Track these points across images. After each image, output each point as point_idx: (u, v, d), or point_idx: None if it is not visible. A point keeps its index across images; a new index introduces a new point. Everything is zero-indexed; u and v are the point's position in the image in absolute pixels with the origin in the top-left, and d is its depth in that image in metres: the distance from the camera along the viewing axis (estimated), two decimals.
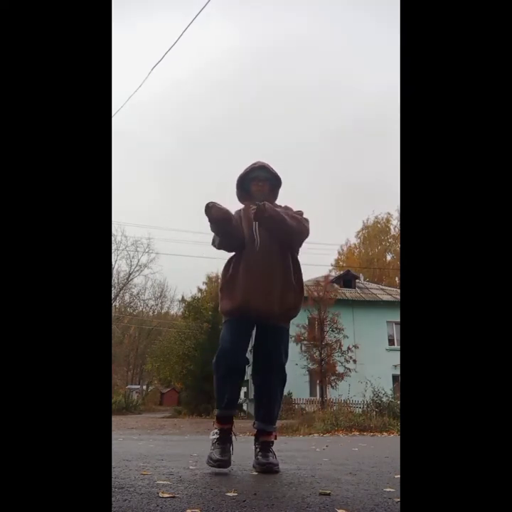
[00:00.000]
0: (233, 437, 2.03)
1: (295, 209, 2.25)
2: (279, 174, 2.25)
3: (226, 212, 2.03)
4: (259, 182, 2.21)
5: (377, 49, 46.50)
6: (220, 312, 2.16)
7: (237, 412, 2.36)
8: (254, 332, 2.14)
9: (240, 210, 2.25)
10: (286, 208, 2.24)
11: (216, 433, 1.99)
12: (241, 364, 2.02)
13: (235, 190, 2.31)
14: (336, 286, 17.06)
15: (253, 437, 2.13)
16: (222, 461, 1.89)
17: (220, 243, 2.13)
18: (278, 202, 2.30)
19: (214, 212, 1.98)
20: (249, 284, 2.02)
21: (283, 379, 2.14)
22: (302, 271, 2.19)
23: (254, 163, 2.22)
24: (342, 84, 45.99)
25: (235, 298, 2.04)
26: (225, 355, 1.99)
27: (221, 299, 2.12)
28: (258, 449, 2.05)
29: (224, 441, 1.97)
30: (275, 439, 2.11)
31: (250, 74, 48.27)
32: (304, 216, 2.20)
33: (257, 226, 2.10)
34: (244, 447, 2.25)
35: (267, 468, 1.93)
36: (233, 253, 2.15)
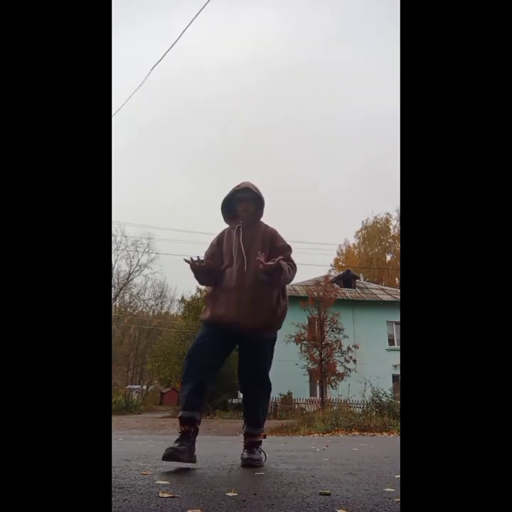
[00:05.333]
0: (194, 441, 1.99)
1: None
2: (262, 194, 2.32)
3: (207, 269, 2.20)
4: (243, 202, 2.29)
5: (378, 46, 46.48)
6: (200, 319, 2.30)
7: (201, 416, 2.11)
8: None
9: (225, 230, 2.37)
10: (272, 233, 2.30)
11: (178, 434, 2.00)
12: (206, 366, 2.05)
13: (226, 204, 2.36)
14: (336, 286, 17.05)
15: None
16: (173, 448, 1.85)
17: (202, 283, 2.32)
18: (264, 220, 2.37)
19: (198, 275, 2.22)
20: (228, 302, 2.12)
21: (266, 389, 2.23)
22: (284, 288, 2.25)
23: (238, 185, 2.32)
24: (344, 82, 46.00)
25: (214, 310, 2.15)
26: (191, 355, 2.07)
27: (203, 312, 2.26)
28: (244, 447, 2.23)
29: (183, 439, 1.95)
30: (264, 437, 2.28)
31: (251, 72, 48.28)
32: (291, 256, 2.25)
33: (240, 244, 2.21)
34: (241, 447, 2.26)
35: (247, 463, 2.10)
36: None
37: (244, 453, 2.20)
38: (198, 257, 2.17)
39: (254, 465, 2.10)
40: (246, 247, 2.21)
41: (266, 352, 2.21)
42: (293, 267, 2.20)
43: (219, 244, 2.34)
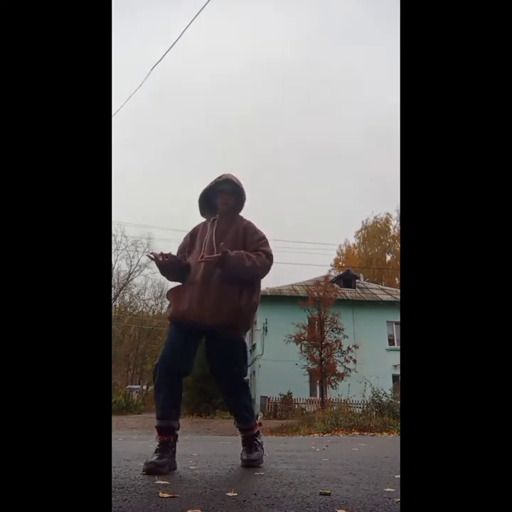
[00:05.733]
0: (174, 450, 1.96)
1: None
2: (243, 187, 2.24)
3: (172, 264, 2.12)
4: (224, 195, 2.21)
5: (378, 46, 46.47)
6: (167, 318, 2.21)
7: (178, 423, 2.07)
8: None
9: (201, 223, 2.28)
10: (247, 225, 2.21)
11: (157, 444, 1.93)
12: (181, 370, 2.00)
13: (204, 200, 2.28)
14: (336, 286, 17.05)
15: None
16: (153, 463, 1.81)
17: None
18: (244, 214, 2.30)
19: (163, 271, 2.14)
20: (191, 297, 2.03)
21: (242, 384, 2.15)
22: (256, 285, 2.13)
23: (219, 177, 2.23)
24: (344, 82, 46.01)
25: (176, 306, 2.06)
26: (163, 362, 1.98)
27: (169, 306, 2.17)
28: (242, 444, 2.20)
29: (163, 450, 1.90)
30: (260, 425, 2.26)
31: (251, 72, 48.29)
32: (265, 244, 2.16)
33: (213, 237, 2.13)
34: (241, 447, 2.26)
35: (246, 464, 2.09)
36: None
37: (243, 453, 2.17)
38: (161, 252, 2.08)
39: (253, 465, 2.10)
40: (217, 240, 2.10)
41: (234, 351, 2.10)
42: (264, 258, 2.07)
43: (192, 238, 2.26)
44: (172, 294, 2.13)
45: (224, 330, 2.03)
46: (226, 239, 2.11)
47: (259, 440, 2.22)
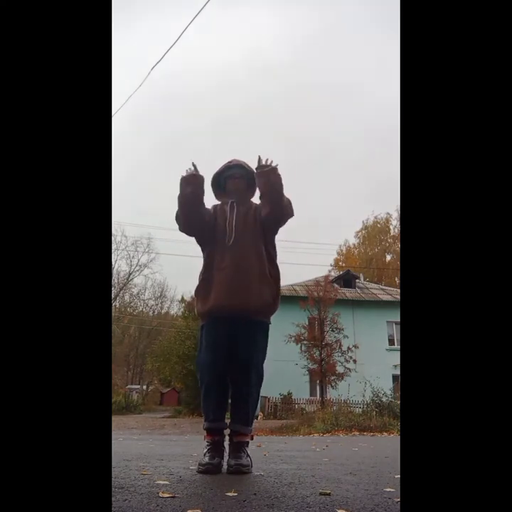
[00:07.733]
0: (224, 449, 2.00)
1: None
2: (253, 171, 2.21)
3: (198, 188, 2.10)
4: (235, 179, 2.22)
5: (378, 45, 46.45)
6: (197, 315, 2.14)
7: (225, 423, 2.05)
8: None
9: (217, 205, 2.26)
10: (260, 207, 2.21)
11: (207, 445, 1.97)
12: (224, 374, 1.99)
13: (210, 188, 2.27)
14: (336, 286, 17.05)
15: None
16: (210, 464, 1.86)
17: (182, 223, 2.17)
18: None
19: (190, 181, 2.09)
20: (222, 282, 1.99)
21: (259, 378, 2.04)
22: (277, 262, 2.16)
23: (230, 161, 2.24)
24: (343, 82, 46.00)
25: (210, 298, 2.01)
26: (209, 367, 1.98)
27: (196, 301, 2.12)
28: (231, 449, 1.98)
29: (214, 450, 1.94)
30: (251, 439, 2.06)
31: (250, 72, 48.29)
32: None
33: (233, 221, 2.11)
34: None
35: (235, 469, 1.86)
36: (206, 251, 2.16)
37: (231, 459, 1.92)
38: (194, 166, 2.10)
39: (242, 471, 1.86)
40: (240, 224, 2.10)
41: (262, 337, 2.04)
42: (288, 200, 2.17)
43: (214, 216, 2.19)
44: (201, 287, 2.07)
45: (259, 314, 2.02)
46: (248, 225, 2.12)
47: (248, 451, 2.01)
